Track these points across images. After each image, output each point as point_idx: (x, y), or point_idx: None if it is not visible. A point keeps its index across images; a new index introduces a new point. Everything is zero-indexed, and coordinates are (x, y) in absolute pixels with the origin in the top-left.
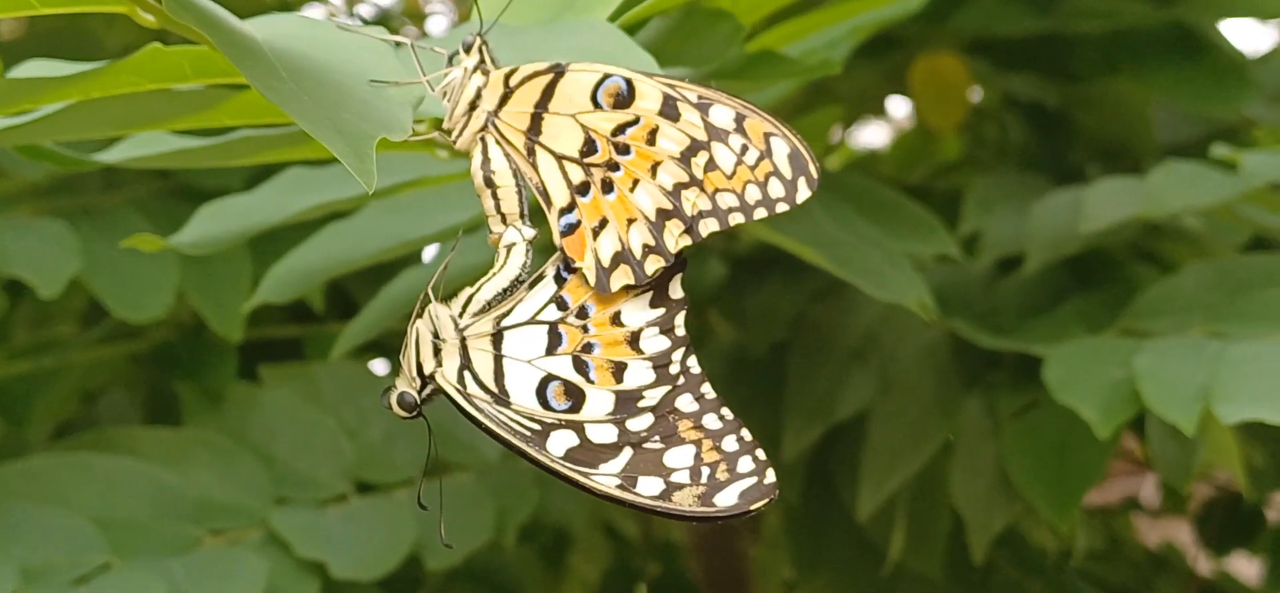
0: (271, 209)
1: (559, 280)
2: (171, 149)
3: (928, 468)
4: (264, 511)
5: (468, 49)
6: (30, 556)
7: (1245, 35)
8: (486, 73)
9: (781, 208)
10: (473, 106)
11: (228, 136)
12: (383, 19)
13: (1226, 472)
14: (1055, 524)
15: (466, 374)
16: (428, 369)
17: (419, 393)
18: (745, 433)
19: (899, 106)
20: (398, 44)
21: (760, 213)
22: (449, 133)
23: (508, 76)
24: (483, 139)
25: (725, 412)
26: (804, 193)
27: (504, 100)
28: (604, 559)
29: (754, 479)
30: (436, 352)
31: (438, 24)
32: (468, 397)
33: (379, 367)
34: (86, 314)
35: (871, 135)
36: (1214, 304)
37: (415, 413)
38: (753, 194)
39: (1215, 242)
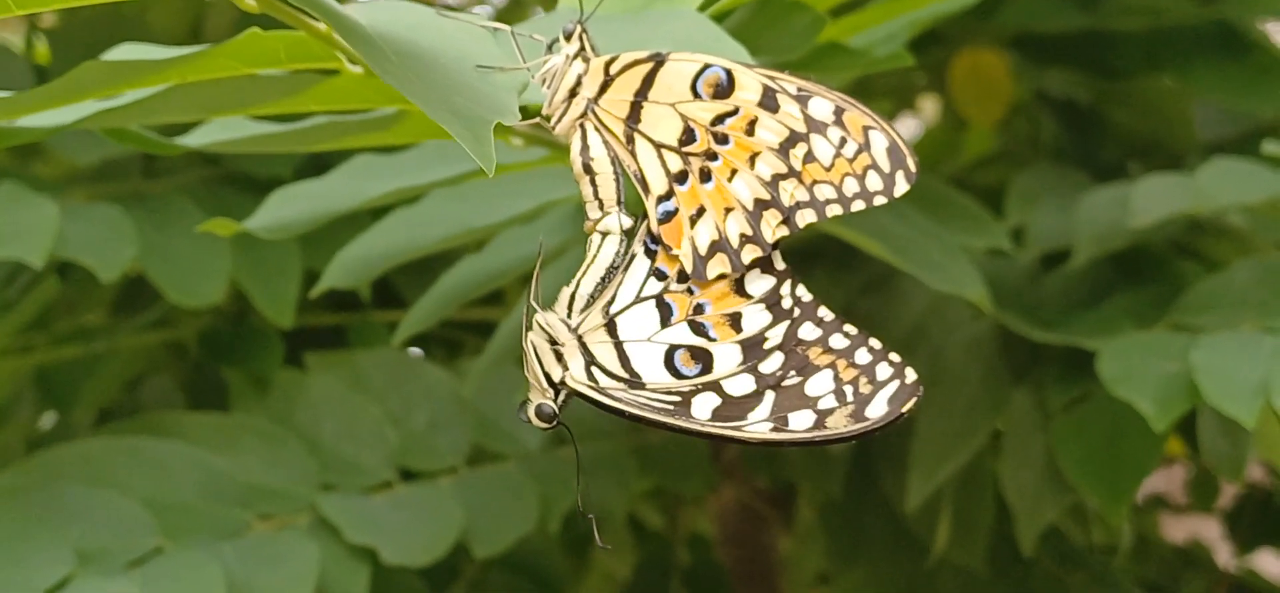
0: (343, 195)
1: (650, 254)
2: (254, 134)
3: (972, 460)
4: (312, 496)
5: (568, 36)
6: (84, 538)
7: None
8: (587, 60)
9: (879, 201)
10: (572, 93)
11: (307, 122)
12: None
13: (1257, 469)
14: (1108, 517)
15: (594, 369)
16: (556, 376)
17: (555, 401)
18: (874, 342)
19: (927, 100)
20: (496, 31)
21: (858, 205)
22: (548, 119)
23: (608, 64)
24: (582, 126)
25: (848, 328)
26: (902, 186)
27: (604, 88)
28: (630, 552)
29: (897, 383)
30: (558, 357)
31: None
32: (601, 390)
33: (416, 353)
34: (117, 300)
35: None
36: (1265, 300)
37: (555, 422)
38: (850, 187)
39: (1259, 238)
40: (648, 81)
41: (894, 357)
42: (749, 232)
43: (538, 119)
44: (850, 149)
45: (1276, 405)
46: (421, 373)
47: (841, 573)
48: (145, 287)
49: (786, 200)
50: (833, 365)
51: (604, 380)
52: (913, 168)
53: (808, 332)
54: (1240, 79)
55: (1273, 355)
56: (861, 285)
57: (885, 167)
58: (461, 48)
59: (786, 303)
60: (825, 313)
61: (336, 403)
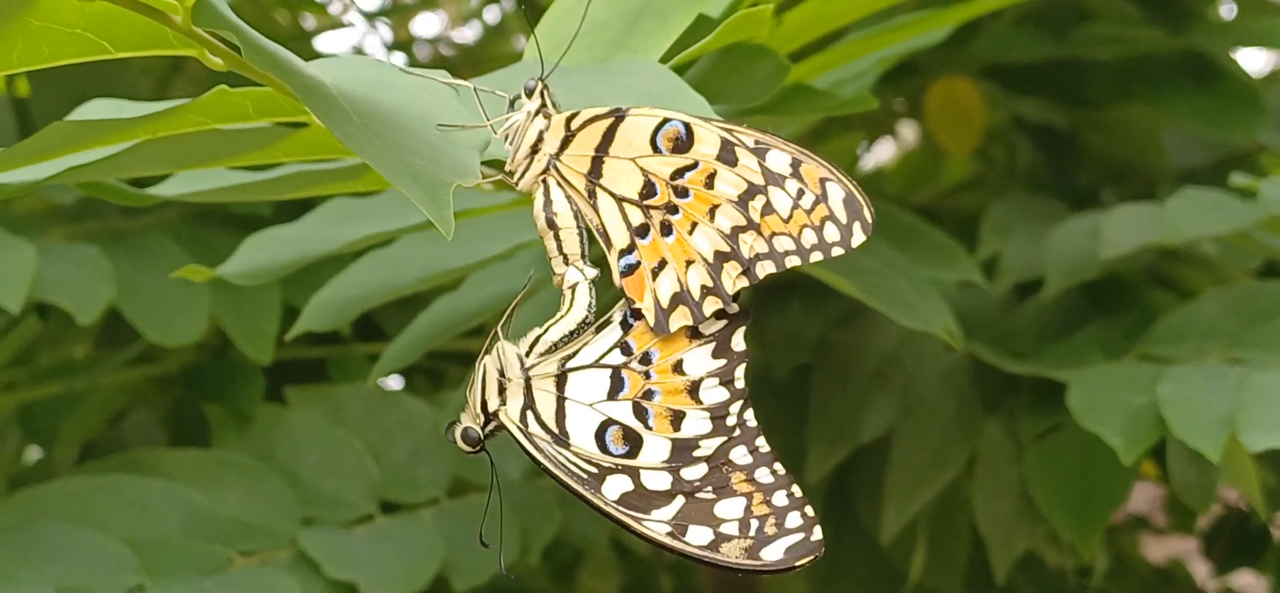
0: (317, 240)
1: (625, 326)
2: (225, 185)
3: (947, 489)
4: (293, 531)
5: (529, 93)
6: (65, 576)
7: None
8: (548, 116)
9: (837, 252)
10: (535, 149)
11: (278, 172)
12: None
13: (1234, 491)
14: (1080, 547)
15: (529, 414)
16: (492, 406)
17: (483, 429)
18: (795, 489)
19: (904, 126)
20: (458, 87)
21: (816, 256)
22: (511, 175)
23: (569, 120)
24: (544, 181)
25: (778, 467)
26: (859, 237)
27: (565, 143)
28: (617, 577)
29: (801, 536)
30: (501, 390)
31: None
32: (528, 436)
33: (395, 384)
34: (101, 334)
35: (875, 155)
36: (1233, 331)
37: (478, 448)
38: (809, 238)
39: (1229, 267)
40: (608, 136)
41: (809, 510)
42: (710, 284)
43: (501, 173)
44: (807, 201)
45: (1242, 438)
46: (401, 405)
47: None
48: (128, 321)
49: (746, 252)
50: (749, 496)
51: (534, 427)
52: (869, 218)
53: (739, 455)
54: (1211, 107)
55: (1238, 387)
56: (836, 318)
57: (842, 218)
58: (424, 106)
59: (731, 421)
60: (763, 444)
61: (317, 437)
